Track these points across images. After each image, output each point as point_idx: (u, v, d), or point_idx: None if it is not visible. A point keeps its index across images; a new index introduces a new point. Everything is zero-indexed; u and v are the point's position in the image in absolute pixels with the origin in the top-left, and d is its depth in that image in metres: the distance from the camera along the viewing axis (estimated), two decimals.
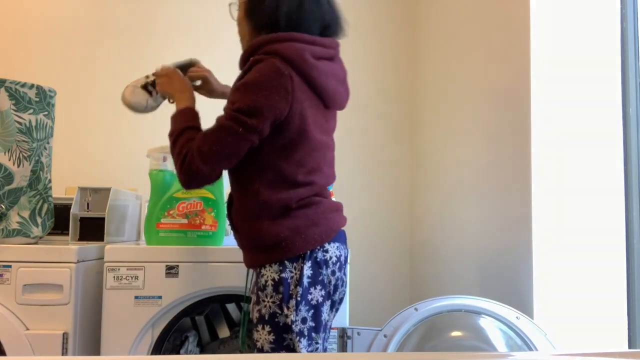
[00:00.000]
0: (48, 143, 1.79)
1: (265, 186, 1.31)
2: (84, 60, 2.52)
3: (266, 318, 1.29)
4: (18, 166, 1.68)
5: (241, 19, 1.41)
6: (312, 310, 1.29)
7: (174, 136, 1.37)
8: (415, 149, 2.71)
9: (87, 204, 1.90)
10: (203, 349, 2.04)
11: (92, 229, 1.87)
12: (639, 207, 1.76)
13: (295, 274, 1.29)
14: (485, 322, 1.67)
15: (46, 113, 1.76)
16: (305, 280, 1.29)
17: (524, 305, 1.74)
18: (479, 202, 2.08)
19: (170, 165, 1.82)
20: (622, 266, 1.75)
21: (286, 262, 1.29)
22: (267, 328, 1.29)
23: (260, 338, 1.29)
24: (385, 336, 1.68)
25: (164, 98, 1.64)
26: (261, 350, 1.29)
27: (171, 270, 1.66)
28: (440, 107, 2.44)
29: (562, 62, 1.80)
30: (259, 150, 1.31)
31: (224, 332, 2.05)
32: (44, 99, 1.75)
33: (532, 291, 1.73)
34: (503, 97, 1.94)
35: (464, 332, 1.68)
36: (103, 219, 1.85)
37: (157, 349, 1.67)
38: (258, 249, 1.33)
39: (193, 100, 1.50)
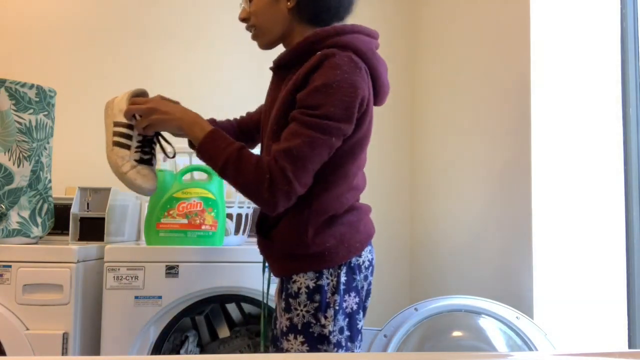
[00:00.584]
0: (48, 143, 1.79)
1: (324, 190, 1.21)
2: (84, 60, 2.52)
3: (299, 328, 1.21)
4: (18, 166, 1.69)
5: (263, 9, 1.26)
6: (348, 319, 1.23)
7: (228, 165, 1.16)
8: (415, 149, 2.71)
9: (87, 204, 1.90)
10: (203, 349, 2.04)
11: (92, 229, 1.87)
12: (639, 207, 1.76)
13: (332, 280, 1.22)
14: (485, 322, 1.67)
15: (46, 113, 1.76)
16: (341, 288, 1.22)
17: (524, 305, 1.74)
18: (479, 202, 2.08)
19: (170, 165, 1.82)
20: (622, 266, 1.75)
21: (323, 269, 1.22)
22: (300, 338, 1.21)
23: (292, 348, 1.21)
24: (385, 336, 1.68)
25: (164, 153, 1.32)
26: None
27: (171, 270, 1.66)
28: (441, 107, 2.44)
29: (562, 62, 1.80)
30: None
31: (224, 332, 2.05)
32: (44, 99, 1.75)
33: (532, 291, 1.73)
34: (503, 97, 1.94)
35: (464, 332, 1.68)
36: (103, 219, 1.85)
37: (157, 349, 1.68)
38: (295, 257, 1.23)
39: (200, 116, 1.27)
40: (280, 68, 1.29)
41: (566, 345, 1.69)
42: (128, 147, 1.25)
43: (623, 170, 1.78)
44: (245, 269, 1.69)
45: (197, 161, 1.87)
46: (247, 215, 1.96)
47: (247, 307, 2.16)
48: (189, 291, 1.66)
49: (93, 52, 2.53)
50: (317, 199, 1.20)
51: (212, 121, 1.48)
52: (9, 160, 1.67)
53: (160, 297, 1.65)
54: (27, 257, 1.62)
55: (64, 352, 1.59)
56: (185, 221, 1.73)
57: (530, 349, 1.61)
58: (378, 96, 1.27)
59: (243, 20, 1.30)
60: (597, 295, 1.74)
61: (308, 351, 1.20)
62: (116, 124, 1.27)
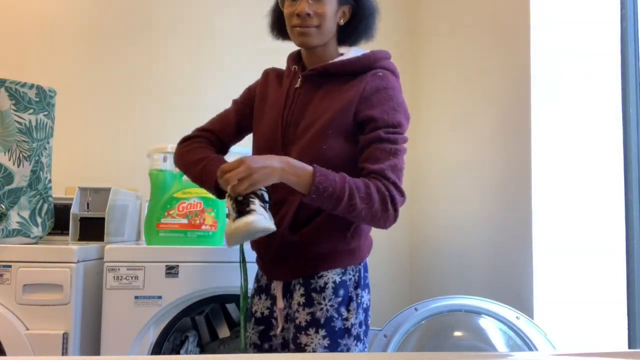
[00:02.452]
0: (48, 143, 1.79)
1: None
2: (84, 60, 2.52)
3: (322, 322, 1.25)
4: (18, 166, 1.69)
5: (330, 16, 1.32)
6: (364, 314, 1.30)
7: (354, 197, 1.18)
8: (415, 149, 2.71)
9: (87, 204, 1.90)
10: (203, 349, 2.04)
11: (92, 229, 1.87)
12: (639, 207, 1.76)
13: (354, 276, 1.30)
14: (485, 322, 1.67)
15: (46, 113, 1.76)
16: (362, 283, 1.30)
17: (524, 305, 1.74)
18: (479, 202, 2.08)
19: (170, 165, 1.82)
20: (622, 266, 1.75)
21: (348, 265, 1.29)
22: (322, 332, 1.25)
23: (312, 342, 1.24)
24: (385, 336, 1.68)
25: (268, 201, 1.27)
26: None
27: (171, 270, 1.66)
28: (441, 107, 2.44)
29: (562, 62, 1.80)
30: None
31: (224, 332, 2.05)
32: (44, 99, 1.75)
33: (532, 291, 1.73)
34: (503, 97, 1.94)
35: (464, 332, 1.68)
36: (103, 219, 1.85)
37: (157, 349, 1.68)
38: (324, 255, 1.28)
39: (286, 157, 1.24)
40: (318, 76, 1.34)
41: (566, 345, 1.69)
42: (228, 217, 1.23)
43: (623, 170, 1.78)
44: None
45: None
46: None
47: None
48: (189, 291, 1.66)
49: (93, 52, 2.53)
50: None
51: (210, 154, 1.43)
52: (9, 160, 1.67)
53: (160, 297, 1.65)
54: (27, 257, 1.62)
55: (64, 352, 1.59)
56: (185, 221, 1.73)
57: (530, 349, 1.61)
58: None
59: (307, 15, 1.30)
60: (597, 295, 1.74)
61: (329, 345, 1.24)
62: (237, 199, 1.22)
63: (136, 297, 1.64)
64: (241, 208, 1.18)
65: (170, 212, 1.73)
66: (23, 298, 1.60)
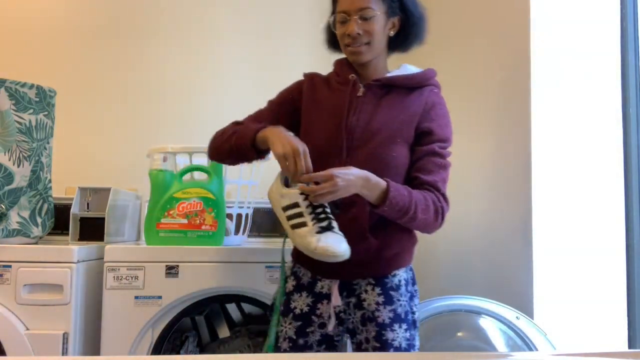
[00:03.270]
0: (48, 143, 1.79)
1: None
2: (84, 60, 2.52)
3: (402, 317, 1.35)
4: (18, 166, 1.69)
5: (379, 32, 1.39)
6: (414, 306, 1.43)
7: (417, 209, 1.29)
8: None
9: (87, 204, 1.90)
10: (203, 349, 2.04)
11: (92, 229, 1.87)
12: (639, 207, 1.76)
13: (412, 272, 1.44)
14: (485, 322, 1.67)
15: (46, 113, 1.76)
16: (415, 279, 1.43)
17: (524, 305, 1.74)
18: (479, 202, 2.08)
19: (170, 165, 1.82)
20: (622, 266, 1.75)
21: (409, 263, 1.42)
22: (404, 326, 1.35)
23: (398, 337, 1.33)
24: None
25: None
26: (399, 349, 1.32)
27: (171, 270, 1.66)
28: None
29: (562, 62, 1.80)
30: None
31: (224, 332, 2.05)
32: (44, 99, 1.75)
33: (532, 291, 1.73)
34: (503, 97, 1.94)
35: (464, 332, 1.68)
36: (103, 219, 1.85)
37: (157, 349, 1.67)
38: (397, 255, 1.38)
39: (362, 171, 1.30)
40: (380, 86, 1.42)
41: (566, 345, 1.69)
42: (305, 224, 1.27)
43: (623, 170, 1.78)
44: (245, 269, 1.69)
45: (197, 161, 1.87)
46: (247, 215, 1.96)
47: (247, 307, 2.16)
48: (189, 291, 1.66)
49: (93, 52, 2.53)
50: None
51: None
52: (9, 160, 1.67)
53: (160, 297, 1.65)
54: (27, 257, 1.62)
55: (64, 352, 1.59)
56: (185, 221, 1.73)
57: (530, 349, 1.61)
58: None
59: (357, 35, 1.37)
60: (597, 295, 1.74)
61: (410, 337, 1.35)
62: (284, 209, 1.30)
63: (136, 297, 1.64)
64: (321, 219, 1.27)
65: (170, 212, 1.73)
66: (23, 298, 1.60)
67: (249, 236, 2.07)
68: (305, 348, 1.39)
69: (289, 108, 1.48)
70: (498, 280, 1.92)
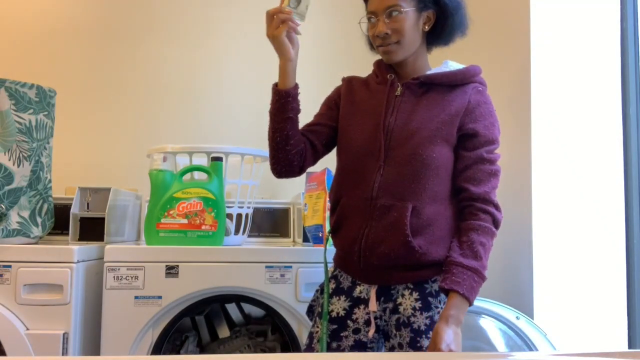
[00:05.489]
0: (48, 143, 1.79)
1: (454, 205, 1.36)
2: (84, 60, 2.52)
3: None
4: (18, 166, 1.69)
5: (410, 29, 1.35)
6: None
7: (483, 264, 1.29)
8: None
9: (87, 204, 1.90)
10: (203, 349, 2.04)
11: (92, 229, 1.87)
12: (639, 207, 1.76)
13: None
14: (485, 322, 1.67)
15: (46, 113, 1.76)
16: None
17: (524, 305, 1.74)
18: None
19: (170, 165, 1.82)
20: (622, 266, 1.75)
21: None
22: None
23: None
24: None
25: None
26: None
27: (171, 270, 1.66)
28: None
29: (562, 62, 1.80)
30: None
31: (224, 332, 2.05)
32: (44, 99, 1.76)
33: (532, 291, 1.73)
34: (503, 97, 1.94)
35: (464, 332, 1.68)
36: (103, 219, 1.85)
37: (157, 349, 1.67)
38: (439, 262, 1.32)
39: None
40: (419, 84, 1.38)
41: (566, 345, 1.69)
42: None
43: (623, 170, 1.78)
44: (245, 269, 1.69)
45: (197, 161, 1.87)
46: (247, 215, 1.96)
47: (247, 307, 2.16)
48: (189, 291, 1.66)
49: (93, 52, 2.53)
50: (458, 216, 1.35)
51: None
52: (9, 160, 1.67)
53: (160, 297, 1.65)
54: (27, 257, 1.62)
55: (64, 352, 1.59)
56: (185, 221, 1.73)
57: (530, 349, 1.61)
58: None
59: (385, 35, 1.35)
60: (597, 295, 1.74)
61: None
62: None
63: (136, 297, 1.64)
64: None
65: (170, 212, 1.73)
66: (23, 298, 1.60)
67: (249, 236, 2.07)
68: (338, 352, 1.35)
69: (334, 114, 1.47)
70: (498, 280, 1.92)
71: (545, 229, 1.76)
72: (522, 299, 1.77)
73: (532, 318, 1.71)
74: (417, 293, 1.31)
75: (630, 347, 1.70)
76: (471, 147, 1.34)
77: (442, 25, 1.40)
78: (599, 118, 1.79)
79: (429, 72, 1.39)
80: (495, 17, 2.02)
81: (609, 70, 1.80)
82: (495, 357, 1.04)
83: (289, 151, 1.39)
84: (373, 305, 1.34)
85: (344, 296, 1.38)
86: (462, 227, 1.31)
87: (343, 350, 1.36)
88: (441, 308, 1.31)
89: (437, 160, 1.32)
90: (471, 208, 1.32)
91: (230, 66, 2.58)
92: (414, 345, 1.29)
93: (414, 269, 1.32)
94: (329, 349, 1.37)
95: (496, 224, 1.33)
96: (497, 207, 1.33)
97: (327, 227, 1.73)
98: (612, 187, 1.78)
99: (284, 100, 1.36)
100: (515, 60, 1.87)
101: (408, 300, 1.31)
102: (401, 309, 1.31)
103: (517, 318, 1.65)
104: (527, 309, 1.72)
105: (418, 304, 1.30)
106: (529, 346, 1.61)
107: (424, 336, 1.29)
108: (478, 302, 1.70)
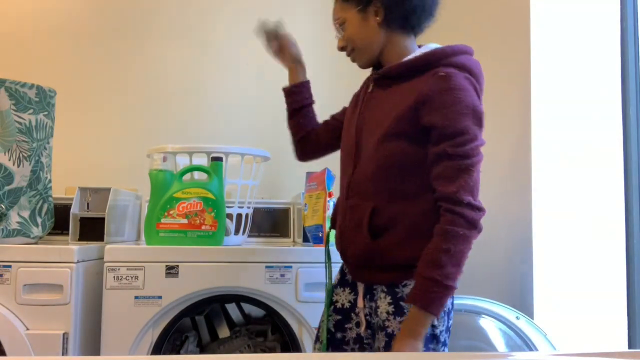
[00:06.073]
0: (48, 143, 1.79)
1: (430, 202, 1.23)
2: (84, 60, 2.52)
3: None
4: (18, 166, 1.69)
5: (357, 32, 1.33)
6: (448, 319, 1.29)
7: (444, 265, 1.19)
8: None
9: (87, 204, 1.90)
10: (203, 349, 2.04)
11: (92, 229, 1.87)
12: (639, 207, 1.76)
13: None
14: (485, 322, 1.67)
15: (46, 113, 1.76)
16: None
17: (524, 305, 1.74)
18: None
19: (170, 165, 1.82)
20: (622, 266, 1.75)
21: None
22: None
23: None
24: None
25: None
26: None
27: (171, 270, 1.66)
28: None
29: (562, 62, 1.80)
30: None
31: (224, 332, 2.05)
32: (44, 99, 1.76)
33: (532, 291, 1.73)
34: (503, 97, 1.94)
35: (464, 332, 1.68)
36: (103, 219, 1.85)
37: (157, 349, 1.67)
38: (408, 266, 1.24)
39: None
40: (386, 78, 1.33)
41: (566, 345, 1.69)
42: None
43: (623, 170, 1.78)
44: (245, 269, 1.69)
45: (197, 161, 1.87)
46: (247, 215, 1.96)
47: (247, 307, 2.16)
48: (189, 291, 1.66)
49: (93, 52, 2.53)
50: (431, 215, 1.22)
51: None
52: (9, 160, 1.67)
53: (160, 297, 1.65)
54: (27, 257, 1.62)
55: (64, 352, 1.59)
56: (185, 221, 1.73)
57: (530, 349, 1.61)
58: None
59: (342, 49, 1.37)
60: (597, 295, 1.74)
61: (424, 351, 1.22)
62: None
63: (136, 297, 1.64)
64: None
65: (170, 212, 1.73)
66: (23, 298, 1.60)
67: (249, 236, 2.07)
68: (343, 343, 1.37)
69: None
70: (498, 280, 1.92)
71: (545, 229, 1.76)
72: (522, 299, 1.77)
73: (532, 318, 1.71)
74: (389, 297, 1.27)
75: (630, 347, 1.70)
76: (435, 142, 1.21)
77: (396, 10, 1.30)
78: (599, 118, 1.79)
79: (399, 62, 1.31)
80: (495, 17, 2.02)
81: (609, 70, 1.80)
82: (495, 357, 1.04)
83: (294, 140, 1.54)
84: (360, 302, 1.35)
85: (348, 289, 1.39)
86: (433, 232, 1.20)
87: (347, 342, 1.37)
88: None
89: (396, 158, 1.25)
90: (440, 209, 1.20)
91: (230, 66, 2.58)
92: (388, 349, 1.27)
93: (383, 270, 1.29)
94: (335, 339, 1.38)
95: (471, 224, 1.18)
96: (470, 206, 1.18)
97: (327, 227, 1.73)
98: (612, 187, 1.78)
99: (285, 97, 1.53)
100: (515, 60, 1.87)
101: (383, 304, 1.28)
102: (379, 311, 1.29)
103: (517, 318, 1.65)
104: (527, 309, 1.72)
105: (391, 308, 1.27)
106: (529, 346, 1.61)
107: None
108: (478, 302, 1.70)
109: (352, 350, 1.34)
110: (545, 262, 1.74)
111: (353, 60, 1.38)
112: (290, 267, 1.70)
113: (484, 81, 1.30)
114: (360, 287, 1.36)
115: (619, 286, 1.75)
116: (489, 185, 2.02)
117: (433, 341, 1.25)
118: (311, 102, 1.55)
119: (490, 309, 1.67)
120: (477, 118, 1.21)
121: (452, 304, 1.32)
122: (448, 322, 1.30)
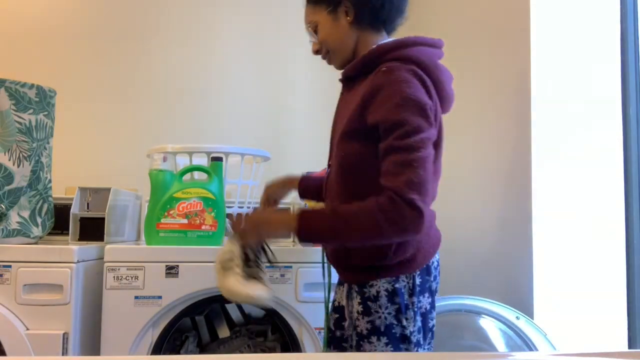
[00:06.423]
0: (48, 143, 1.79)
1: None
2: (84, 60, 2.52)
3: (382, 329, 1.25)
4: (18, 166, 1.69)
5: (330, 33, 1.33)
6: (421, 319, 1.28)
7: (342, 228, 1.17)
8: None
9: (87, 204, 1.90)
10: (203, 349, 2.04)
11: (92, 229, 1.87)
12: (639, 207, 1.76)
13: (408, 283, 1.26)
14: (485, 322, 1.67)
15: (46, 113, 1.76)
16: (417, 289, 1.27)
17: (524, 305, 1.74)
18: (479, 202, 2.08)
19: (170, 165, 1.82)
20: (622, 266, 1.75)
21: (399, 275, 1.26)
22: (384, 339, 1.25)
23: (376, 350, 1.26)
24: None
25: (272, 260, 1.36)
26: None
27: (171, 270, 1.66)
28: None
29: (562, 62, 1.80)
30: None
31: (224, 332, 2.05)
32: (44, 99, 1.75)
33: (532, 291, 1.73)
34: (504, 97, 1.94)
35: (463, 332, 1.68)
36: (103, 219, 1.85)
37: (157, 349, 1.67)
38: (369, 268, 1.26)
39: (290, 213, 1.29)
40: (348, 79, 1.35)
41: (566, 345, 1.69)
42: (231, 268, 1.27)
43: (623, 170, 1.78)
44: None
45: (197, 161, 1.87)
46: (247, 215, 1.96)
47: (247, 307, 2.16)
48: (189, 291, 1.66)
49: (93, 52, 2.53)
50: None
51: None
52: (9, 160, 1.67)
53: (160, 297, 1.65)
54: (27, 257, 1.62)
55: (64, 352, 1.59)
56: (185, 221, 1.73)
57: (530, 349, 1.61)
58: (443, 106, 1.29)
59: (317, 52, 1.37)
60: (597, 295, 1.74)
61: (392, 351, 1.23)
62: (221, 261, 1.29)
63: (136, 297, 1.64)
64: (250, 271, 1.27)
65: (170, 212, 1.73)
66: (23, 298, 1.60)
67: None
68: (342, 341, 1.38)
69: None
70: (498, 280, 1.92)
71: (545, 229, 1.76)
72: (522, 299, 1.77)
73: (532, 318, 1.71)
74: (359, 296, 1.28)
75: (630, 347, 1.70)
76: (382, 138, 1.18)
77: (365, 8, 1.29)
78: (599, 117, 1.79)
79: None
80: (495, 17, 2.02)
81: (609, 69, 1.80)
82: (495, 357, 1.04)
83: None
84: (344, 300, 1.37)
85: (342, 287, 1.41)
86: (368, 199, 1.16)
87: (346, 340, 1.38)
88: (382, 313, 1.25)
89: (349, 159, 1.24)
90: (385, 193, 1.14)
91: (230, 66, 2.58)
92: (359, 349, 1.29)
93: (352, 270, 1.31)
94: (335, 337, 1.40)
95: (396, 224, 1.11)
96: (411, 204, 1.10)
97: None
98: (612, 187, 1.78)
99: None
100: (515, 60, 1.87)
101: (355, 303, 1.30)
102: (352, 310, 1.31)
103: (517, 318, 1.65)
104: (527, 309, 1.72)
105: (360, 308, 1.28)
106: (529, 346, 1.61)
107: (366, 340, 1.27)
108: (478, 302, 1.70)
109: (352, 347, 1.35)
110: (545, 262, 1.74)
111: (329, 62, 1.38)
112: (290, 267, 1.70)
113: (444, 71, 1.27)
114: (345, 287, 1.38)
115: (619, 286, 1.75)
116: (489, 185, 2.02)
117: (405, 342, 1.25)
118: (320, 183, 1.48)
119: (490, 309, 1.67)
120: (420, 109, 1.15)
121: (432, 304, 1.31)
122: (423, 322, 1.28)
